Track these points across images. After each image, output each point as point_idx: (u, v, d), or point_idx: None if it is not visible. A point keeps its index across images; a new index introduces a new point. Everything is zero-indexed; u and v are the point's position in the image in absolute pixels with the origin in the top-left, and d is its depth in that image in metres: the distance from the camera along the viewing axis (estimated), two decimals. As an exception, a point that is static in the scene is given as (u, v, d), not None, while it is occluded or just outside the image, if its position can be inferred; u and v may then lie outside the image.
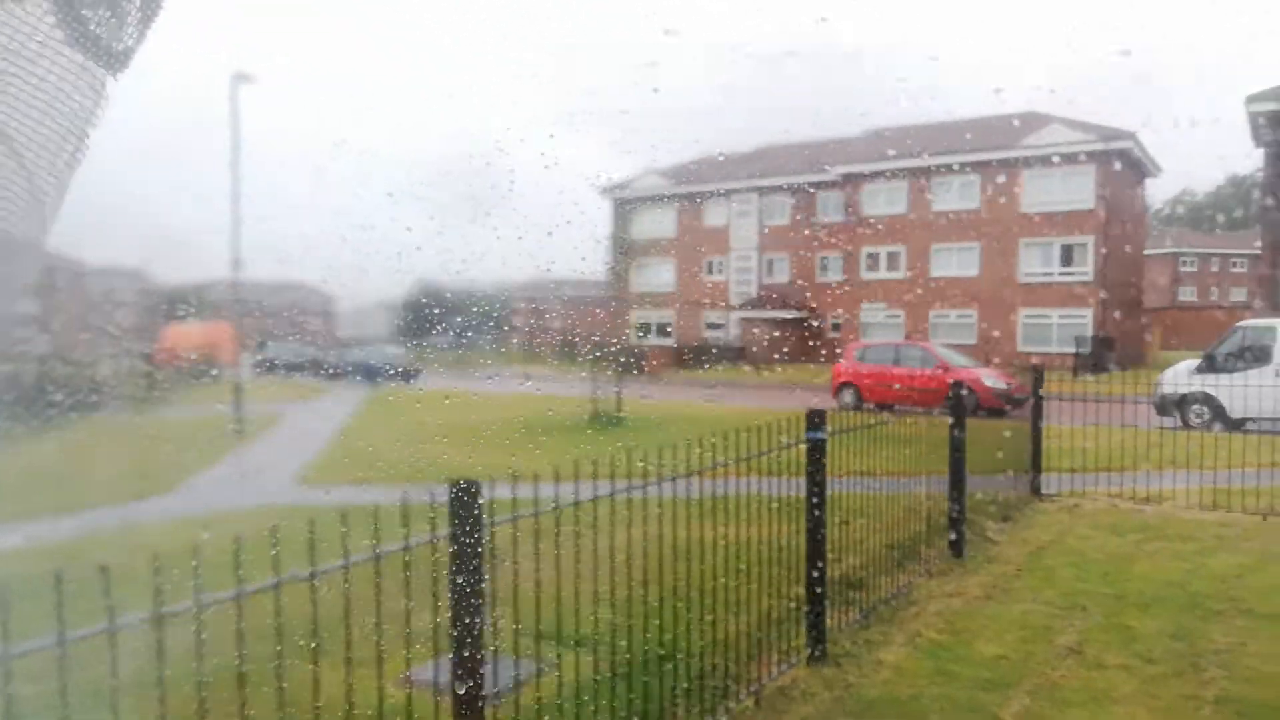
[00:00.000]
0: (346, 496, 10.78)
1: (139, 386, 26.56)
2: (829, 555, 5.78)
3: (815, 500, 5.61)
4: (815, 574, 5.63)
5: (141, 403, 24.71)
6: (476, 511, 3.44)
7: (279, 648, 2.95)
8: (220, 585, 2.89)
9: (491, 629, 3.63)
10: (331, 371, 36.26)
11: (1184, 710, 4.84)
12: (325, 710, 3.07)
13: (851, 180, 42.04)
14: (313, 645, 3.08)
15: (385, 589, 3.24)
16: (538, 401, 20.91)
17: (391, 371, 34.44)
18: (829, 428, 5.76)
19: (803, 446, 5.60)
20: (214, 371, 31.79)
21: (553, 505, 3.90)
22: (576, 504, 4.02)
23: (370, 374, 33.99)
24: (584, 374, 22.27)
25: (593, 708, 4.12)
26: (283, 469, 13.35)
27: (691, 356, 40.78)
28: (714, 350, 42.68)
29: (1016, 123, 38.67)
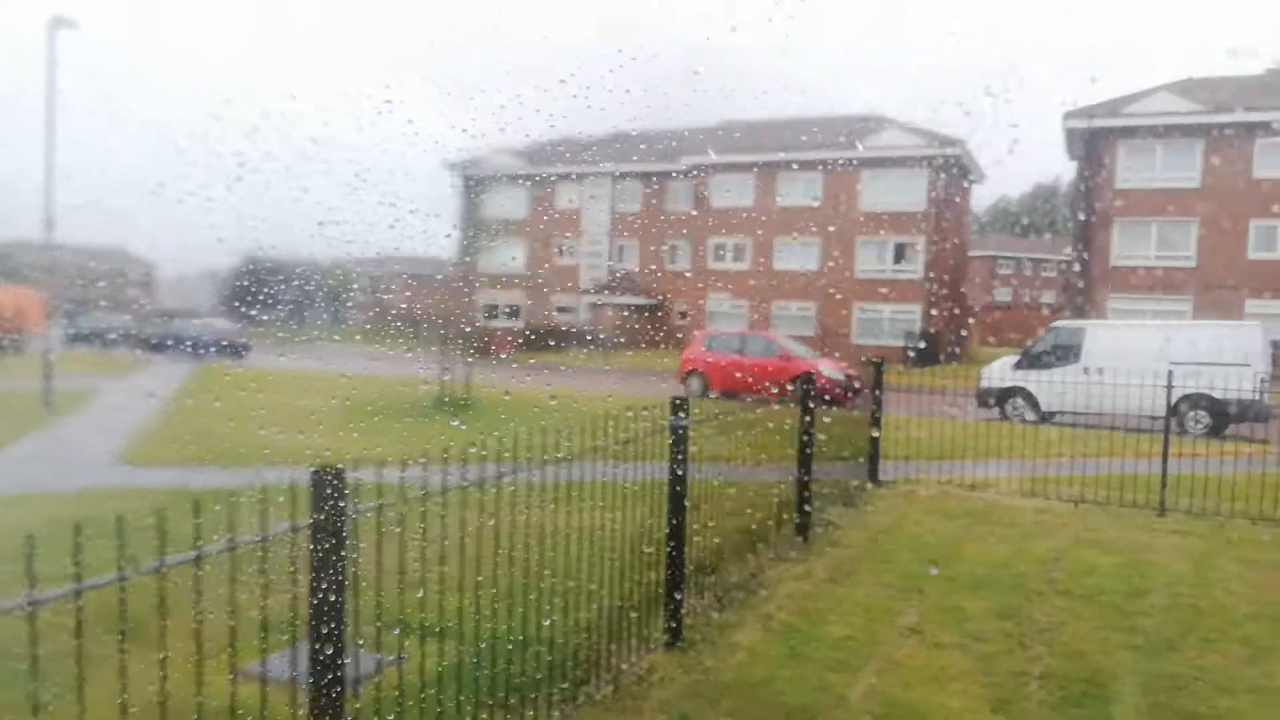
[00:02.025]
0: (173, 479, 10.13)
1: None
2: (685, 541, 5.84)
3: (677, 487, 5.65)
4: (674, 560, 5.68)
5: (-68, 373, 22.47)
6: (341, 499, 3.27)
7: (122, 641, 2.71)
8: (49, 578, 2.62)
9: (351, 619, 3.46)
10: (153, 344, 34.04)
11: (1014, 686, 5.16)
12: (160, 710, 2.84)
13: (701, 171, 42.76)
14: (160, 639, 2.85)
15: (227, 581, 3.04)
16: (379, 383, 20.28)
17: (220, 346, 32.65)
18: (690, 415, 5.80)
19: (664, 433, 5.63)
20: (16, 339, 29.24)
21: (421, 492, 3.75)
22: (444, 490, 3.88)
23: (196, 348, 32.11)
24: (428, 355, 21.77)
25: (450, 697, 4.01)
26: (101, 448, 12.40)
27: (540, 340, 40.55)
28: (563, 334, 42.59)
29: (855, 126, 40.31)
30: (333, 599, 3.27)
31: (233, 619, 3.08)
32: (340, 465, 3.31)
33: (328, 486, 3.24)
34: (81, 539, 2.62)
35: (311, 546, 3.23)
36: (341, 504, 3.26)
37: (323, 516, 3.23)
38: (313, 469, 3.25)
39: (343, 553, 3.28)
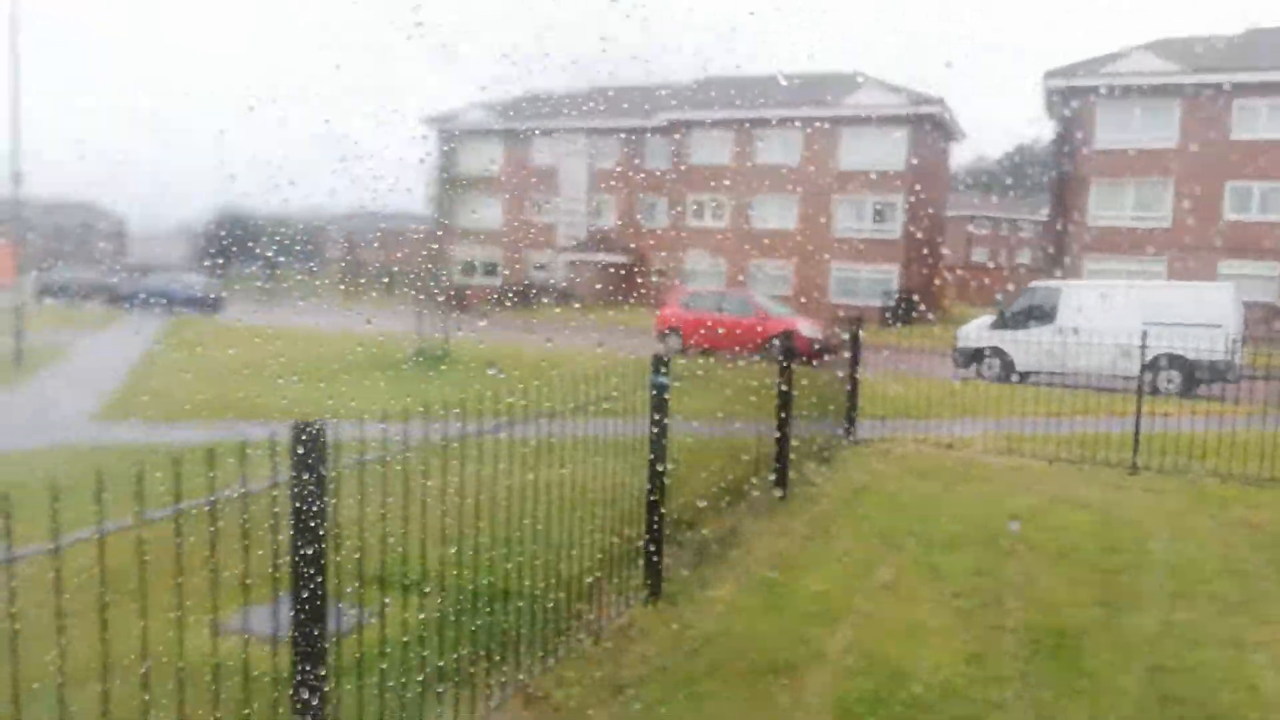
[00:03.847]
0: (148, 435, 10.04)
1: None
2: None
3: (657, 443, 5.64)
4: (655, 515, 5.70)
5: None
6: (322, 455, 3.23)
7: (105, 596, 2.68)
8: (27, 535, 2.58)
9: (332, 574, 3.45)
10: (125, 299, 33.55)
11: (990, 639, 5.25)
12: (144, 663, 2.83)
13: (679, 127, 42.37)
14: (142, 595, 2.82)
15: (208, 536, 3.01)
16: (355, 337, 20.13)
17: (193, 300, 32.25)
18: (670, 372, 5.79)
19: (645, 390, 5.61)
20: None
21: (403, 448, 3.72)
22: (429, 446, 3.85)
23: (170, 302, 31.70)
24: (403, 309, 21.58)
25: (432, 650, 4.01)
26: (75, 405, 12.25)
27: (517, 296, 40.34)
28: (540, 290, 42.38)
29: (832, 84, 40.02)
30: (314, 554, 3.25)
31: (213, 575, 3.06)
32: (319, 421, 3.27)
33: (308, 441, 3.21)
34: (57, 496, 2.58)
35: (292, 501, 3.20)
36: (322, 458, 3.23)
37: (304, 471, 3.20)
38: (292, 423, 3.21)
39: (323, 507, 3.25)
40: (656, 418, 5.61)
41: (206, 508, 3.01)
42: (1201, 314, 17.19)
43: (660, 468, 5.65)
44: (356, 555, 3.71)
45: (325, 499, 3.25)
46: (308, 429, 3.21)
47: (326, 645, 3.31)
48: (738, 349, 20.55)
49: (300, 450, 3.18)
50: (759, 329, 21.69)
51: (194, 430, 9.86)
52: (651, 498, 5.68)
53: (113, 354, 18.15)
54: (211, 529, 3.00)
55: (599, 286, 42.93)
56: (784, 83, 40.12)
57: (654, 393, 5.59)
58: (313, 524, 3.23)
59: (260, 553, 3.21)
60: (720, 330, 22.30)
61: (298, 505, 3.20)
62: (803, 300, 37.38)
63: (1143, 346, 10.38)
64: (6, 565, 2.46)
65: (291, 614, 3.25)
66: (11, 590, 2.47)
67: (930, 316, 36.97)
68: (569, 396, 4.85)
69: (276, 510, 3.22)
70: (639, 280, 43.94)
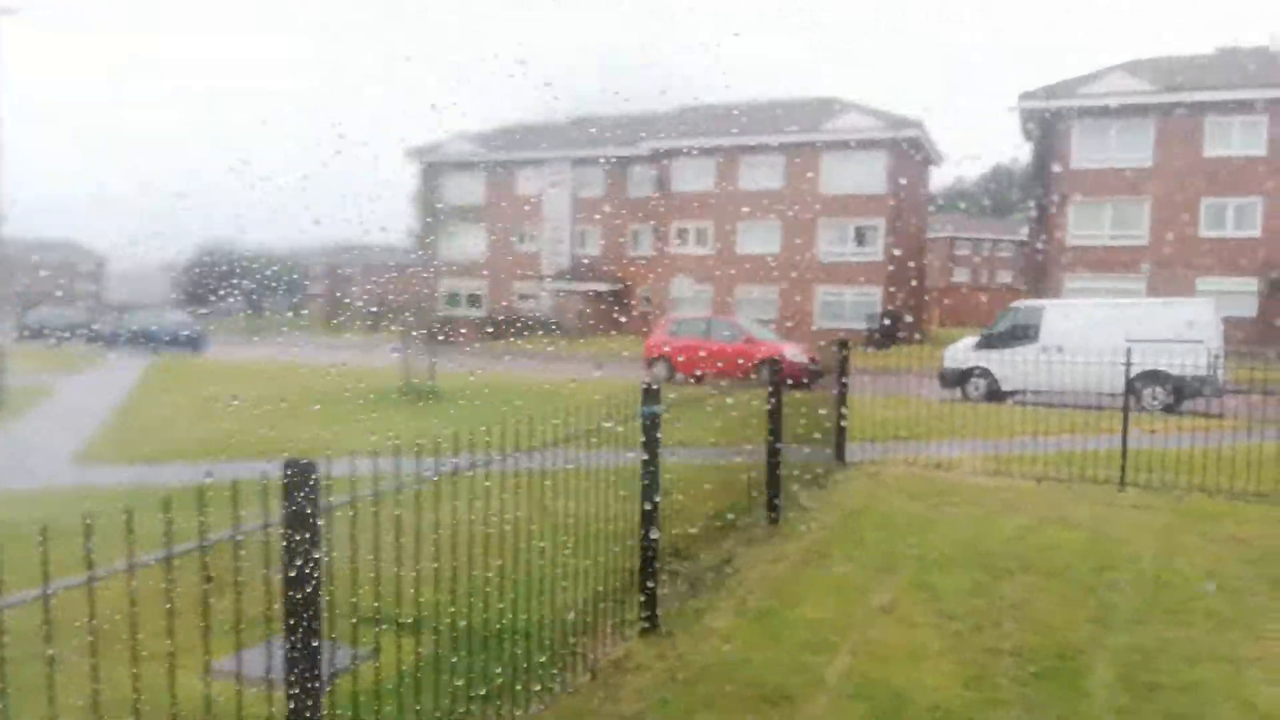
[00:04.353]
0: (133, 476, 9.94)
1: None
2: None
3: (649, 473, 5.63)
4: (649, 546, 5.67)
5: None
6: (313, 493, 3.21)
7: (94, 641, 2.64)
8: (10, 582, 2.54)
9: (325, 613, 3.41)
10: (107, 339, 33.35)
11: (986, 663, 5.23)
12: (127, 709, 2.78)
13: (662, 155, 42.65)
14: (134, 639, 2.78)
15: (199, 580, 2.98)
16: (341, 372, 20.05)
17: (175, 339, 32.08)
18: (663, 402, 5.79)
19: (637, 420, 5.61)
20: (-34, 337, 28.51)
21: (396, 484, 3.70)
22: (422, 481, 3.83)
23: (153, 342, 31.52)
24: (389, 343, 21.52)
25: (427, 689, 3.97)
26: (57, 446, 12.13)
27: (502, 327, 40.33)
28: (526, 321, 42.38)
29: (813, 108, 40.42)
30: (307, 593, 3.21)
31: (204, 618, 3.02)
32: (309, 459, 3.25)
33: (299, 479, 3.18)
34: (44, 541, 2.55)
35: (284, 540, 3.17)
36: (314, 497, 3.21)
37: (295, 510, 3.17)
38: (285, 461, 3.19)
39: (316, 546, 3.22)
40: (648, 447, 5.60)
41: (198, 551, 2.98)
42: (1183, 330, 17.34)
43: (653, 498, 5.63)
44: (349, 593, 3.67)
45: (317, 537, 3.22)
46: (298, 466, 3.19)
47: (321, 687, 3.27)
48: (726, 375, 20.58)
49: (291, 487, 3.15)
50: (747, 354, 21.73)
51: (179, 470, 9.77)
52: (645, 528, 5.65)
53: (96, 394, 18.01)
54: (205, 572, 2.97)
55: (584, 315, 42.97)
56: (764, 120, 40.50)
57: (645, 422, 5.59)
58: (305, 562, 3.20)
59: (252, 594, 3.18)
60: (708, 356, 22.35)
61: (290, 544, 3.17)
62: (789, 324, 37.53)
63: (1127, 364, 10.45)
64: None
65: (285, 656, 3.21)
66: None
67: (915, 337, 37.14)
68: (557, 428, 4.83)
69: (267, 549, 3.19)
70: (625, 308, 44.01)
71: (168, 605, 2.89)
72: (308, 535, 3.19)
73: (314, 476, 3.19)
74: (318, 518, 3.22)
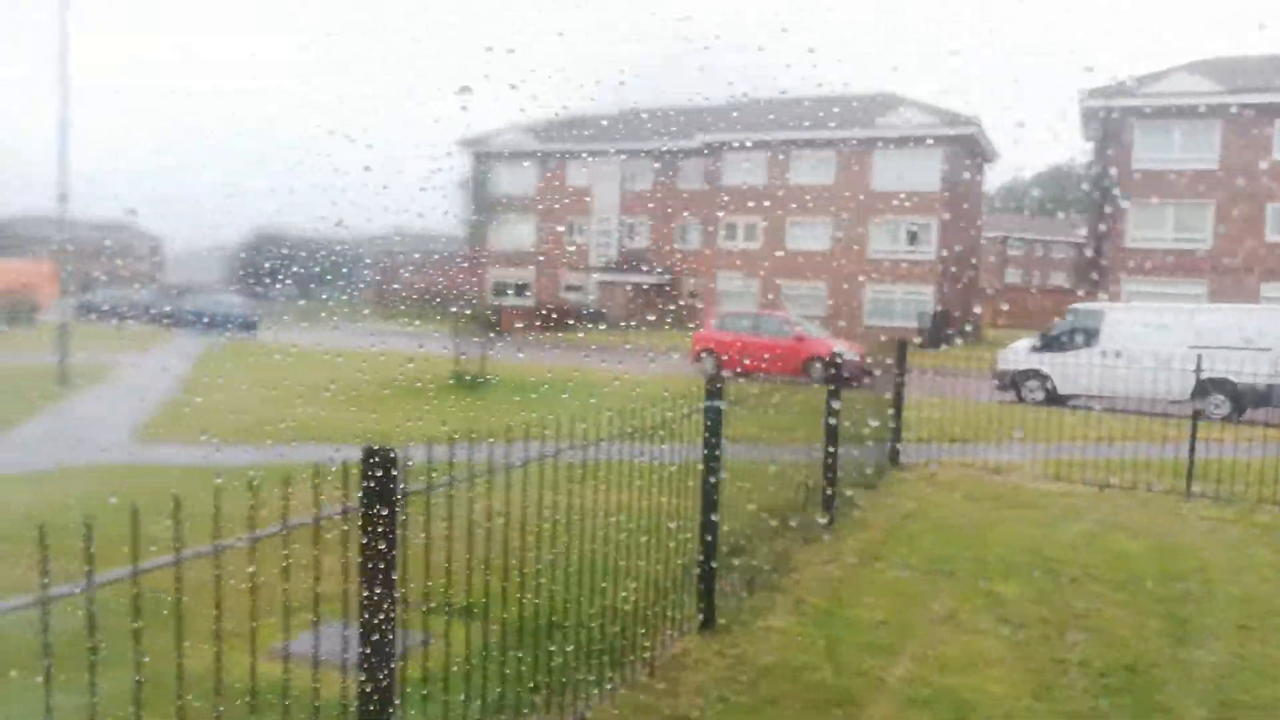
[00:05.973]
0: (193, 457, 10.11)
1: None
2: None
3: (711, 468, 5.58)
4: (708, 542, 5.62)
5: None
6: (392, 480, 3.21)
7: (177, 624, 2.66)
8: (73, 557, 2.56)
9: (400, 599, 3.41)
10: (165, 319, 34.04)
11: (1053, 673, 5.11)
12: (201, 688, 2.80)
13: (713, 149, 42.46)
14: (215, 620, 2.80)
15: (274, 561, 2.99)
16: (393, 359, 20.22)
17: (231, 320, 32.67)
18: (727, 396, 5.73)
19: (698, 415, 5.55)
20: (29, 313, 29.29)
21: (484, 472, 3.69)
22: (497, 470, 3.82)
23: (210, 323, 32.13)
24: (438, 332, 21.67)
25: (487, 678, 3.96)
26: (118, 424, 12.38)
27: (550, 318, 40.46)
28: (573, 312, 42.49)
29: (860, 103, 39.93)
30: (384, 579, 3.21)
31: (284, 599, 3.03)
32: (389, 446, 3.25)
33: (379, 465, 3.18)
34: (137, 517, 2.56)
35: (363, 526, 3.17)
36: (394, 483, 3.20)
37: (375, 496, 3.17)
38: (364, 447, 3.19)
39: (394, 532, 3.22)
40: (709, 442, 5.54)
41: (280, 533, 2.99)
42: (1250, 337, 16.86)
43: (714, 494, 5.58)
44: (420, 581, 3.68)
45: (396, 524, 3.22)
46: (378, 453, 3.19)
47: (394, 670, 3.27)
48: (773, 371, 20.44)
49: (372, 474, 3.15)
50: (796, 351, 21.57)
51: (238, 452, 9.92)
52: (705, 524, 5.60)
53: (155, 374, 18.36)
54: (285, 553, 2.98)
55: (631, 307, 42.97)
56: (818, 114, 40.11)
57: (707, 418, 5.53)
58: (384, 549, 3.20)
59: (329, 578, 3.18)
60: (756, 352, 22.19)
61: (369, 529, 3.17)
62: (840, 323, 37.16)
63: (1198, 370, 10.17)
64: (86, 591, 2.44)
65: (360, 640, 3.22)
66: (89, 618, 2.45)
67: (966, 338, 36.62)
68: (619, 421, 4.79)
69: (346, 535, 3.20)
70: (672, 302, 43.93)
71: (247, 586, 2.91)
72: (386, 521, 3.18)
73: (393, 462, 3.19)
74: (396, 504, 3.21)
